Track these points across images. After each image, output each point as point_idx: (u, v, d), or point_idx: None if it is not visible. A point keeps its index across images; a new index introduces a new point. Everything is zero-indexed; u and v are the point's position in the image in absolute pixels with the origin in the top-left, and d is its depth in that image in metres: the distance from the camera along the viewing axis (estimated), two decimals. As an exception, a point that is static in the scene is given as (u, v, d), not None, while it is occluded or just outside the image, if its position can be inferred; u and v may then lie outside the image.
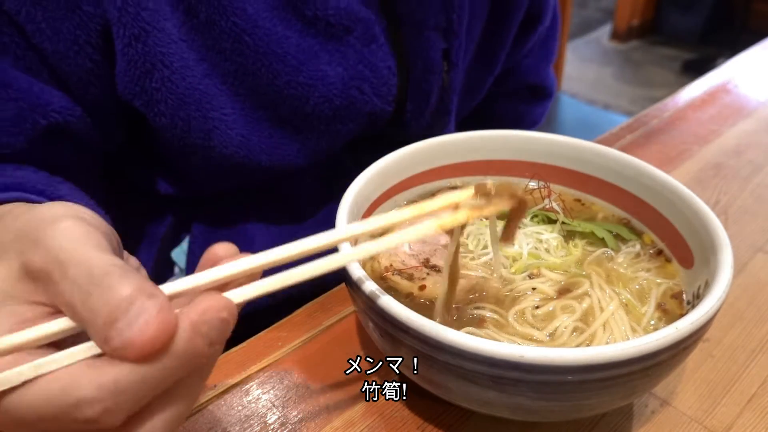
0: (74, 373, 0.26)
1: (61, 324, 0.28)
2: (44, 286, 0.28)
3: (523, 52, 0.80)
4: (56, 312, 0.28)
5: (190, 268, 0.64)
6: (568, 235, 0.49)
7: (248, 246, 0.67)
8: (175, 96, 0.51)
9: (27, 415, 0.27)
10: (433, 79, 0.62)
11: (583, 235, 0.49)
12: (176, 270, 0.68)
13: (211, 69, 0.53)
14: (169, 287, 0.29)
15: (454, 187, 0.55)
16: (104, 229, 0.32)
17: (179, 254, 0.69)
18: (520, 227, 0.49)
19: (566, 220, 0.50)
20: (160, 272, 0.69)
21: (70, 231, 0.29)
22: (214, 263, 0.30)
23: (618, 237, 0.49)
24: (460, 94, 0.69)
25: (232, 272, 0.30)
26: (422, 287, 0.44)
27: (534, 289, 0.44)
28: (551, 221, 0.50)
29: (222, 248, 0.31)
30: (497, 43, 0.72)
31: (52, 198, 0.46)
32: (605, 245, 0.48)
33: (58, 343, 0.28)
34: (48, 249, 0.28)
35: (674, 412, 0.45)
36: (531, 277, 0.45)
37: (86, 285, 0.27)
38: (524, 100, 0.88)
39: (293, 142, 0.58)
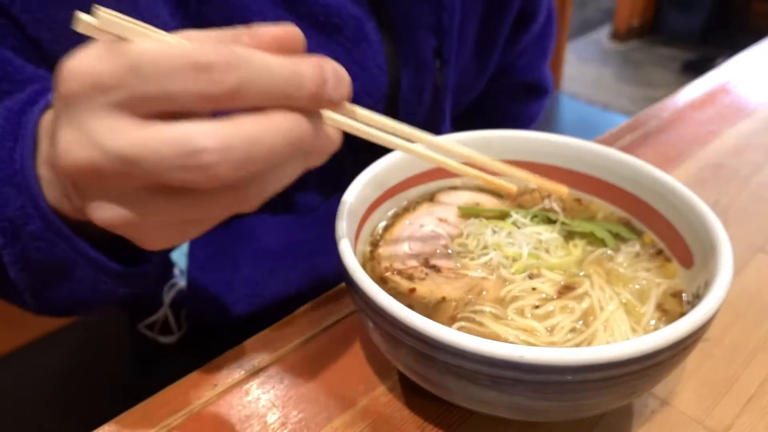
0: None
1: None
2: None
3: (518, 50, 0.81)
4: None
5: (191, 269, 0.64)
6: (568, 235, 0.49)
7: (250, 241, 0.67)
8: None
9: (148, 60, 0.27)
10: (425, 77, 0.62)
11: (583, 235, 0.49)
12: (176, 272, 0.68)
13: None
14: None
15: (454, 188, 0.55)
16: None
17: (179, 256, 0.69)
18: (519, 227, 0.49)
19: (566, 220, 0.50)
20: (161, 274, 0.69)
21: None
22: None
23: (618, 237, 0.49)
24: (454, 93, 0.70)
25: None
26: (412, 290, 0.44)
27: (534, 289, 0.44)
28: (551, 221, 0.50)
29: None
30: (491, 41, 0.72)
31: None
32: (605, 245, 0.48)
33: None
34: None
35: (674, 412, 0.45)
36: (531, 277, 0.45)
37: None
38: (521, 97, 0.88)
39: None
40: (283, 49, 0.30)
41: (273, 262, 0.64)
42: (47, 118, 0.38)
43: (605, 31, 3.58)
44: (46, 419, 0.87)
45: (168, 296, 0.66)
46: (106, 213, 0.31)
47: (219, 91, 0.27)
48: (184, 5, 0.51)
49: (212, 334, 0.67)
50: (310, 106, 0.31)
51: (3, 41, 0.48)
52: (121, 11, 0.49)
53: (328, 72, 0.30)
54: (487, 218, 0.51)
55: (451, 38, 0.62)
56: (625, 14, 3.43)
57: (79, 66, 0.29)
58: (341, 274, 0.40)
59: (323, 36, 0.55)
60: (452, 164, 0.42)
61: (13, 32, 0.47)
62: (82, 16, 0.28)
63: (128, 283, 0.43)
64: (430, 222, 0.51)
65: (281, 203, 0.65)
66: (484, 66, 0.74)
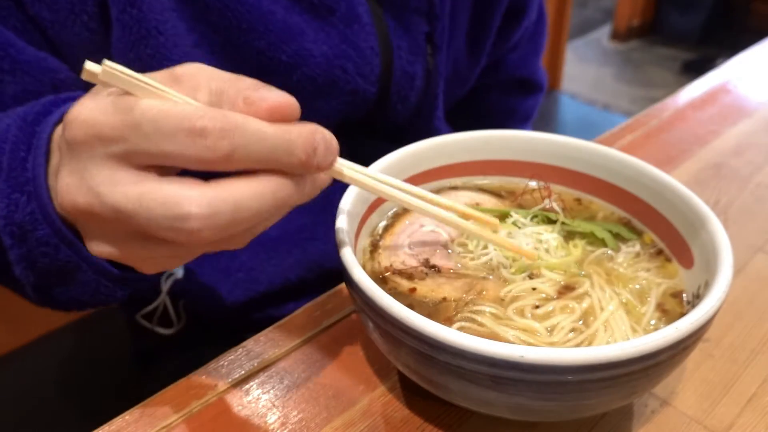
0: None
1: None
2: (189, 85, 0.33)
3: (510, 45, 0.82)
4: None
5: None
6: (568, 235, 0.49)
7: None
8: (169, 64, 0.53)
9: (149, 119, 0.29)
10: (417, 61, 0.63)
11: (583, 235, 0.49)
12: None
13: (200, 40, 0.53)
14: None
15: (454, 187, 0.55)
16: None
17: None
18: (519, 227, 0.49)
19: (566, 221, 0.50)
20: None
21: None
22: None
23: (618, 237, 0.49)
24: (447, 82, 0.71)
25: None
26: (412, 290, 0.44)
27: (534, 289, 0.44)
28: (551, 221, 0.50)
29: None
30: (482, 32, 0.73)
31: None
32: (605, 245, 0.48)
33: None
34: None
35: (674, 412, 0.45)
36: (531, 277, 0.45)
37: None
38: (515, 93, 0.89)
39: None
40: (277, 116, 0.31)
41: (269, 249, 0.65)
42: (60, 130, 0.39)
43: (605, 31, 3.58)
44: (46, 419, 0.87)
45: (166, 285, 0.67)
46: (101, 249, 0.34)
47: (212, 156, 0.29)
48: None
49: (210, 323, 0.67)
50: (299, 172, 0.33)
51: (5, 22, 0.49)
52: None
53: (319, 140, 0.32)
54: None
55: (443, 25, 0.63)
56: (625, 14, 3.42)
57: (84, 115, 0.31)
58: (339, 268, 0.40)
59: (317, 18, 0.56)
60: (474, 229, 0.45)
61: (15, 13, 0.49)
62: (89, 65, 0.30)
63: (127, 287, 0.44)
64: (430, 222, 0.51)
65: None
66: (477, 57, 0.75)
